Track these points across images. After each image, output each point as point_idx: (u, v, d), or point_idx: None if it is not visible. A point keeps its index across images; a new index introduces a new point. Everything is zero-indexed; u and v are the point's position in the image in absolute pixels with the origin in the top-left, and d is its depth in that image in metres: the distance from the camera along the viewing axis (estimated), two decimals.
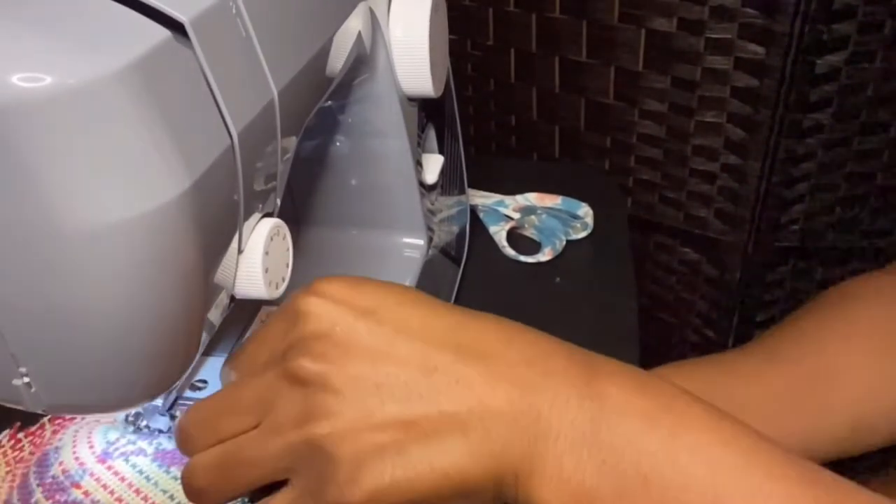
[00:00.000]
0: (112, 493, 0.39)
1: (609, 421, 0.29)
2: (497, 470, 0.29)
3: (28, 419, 0.44)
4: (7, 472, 0.42)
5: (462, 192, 0.66)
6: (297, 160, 0.40)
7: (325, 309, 0.31)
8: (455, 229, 0.64)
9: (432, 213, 0.56)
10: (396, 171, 0.51)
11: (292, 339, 0.32)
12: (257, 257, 0.33)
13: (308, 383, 0.30)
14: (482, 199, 0.74)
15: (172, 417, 0.40)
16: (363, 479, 0.29)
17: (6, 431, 0.44)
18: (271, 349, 0.33)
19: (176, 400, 0.42)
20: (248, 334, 0.48)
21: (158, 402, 0.41)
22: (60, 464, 0.40)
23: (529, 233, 0.72)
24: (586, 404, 0.29)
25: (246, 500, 0.35)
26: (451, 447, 0.29)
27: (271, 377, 0.32)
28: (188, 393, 0.43)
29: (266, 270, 0.34)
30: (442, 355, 0.30)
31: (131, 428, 0.40)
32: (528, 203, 0.74)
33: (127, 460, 0.40)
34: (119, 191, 0.25)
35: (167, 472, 0.40)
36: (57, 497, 0.39)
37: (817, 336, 0.42)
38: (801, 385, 0.40)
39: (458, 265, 0.65)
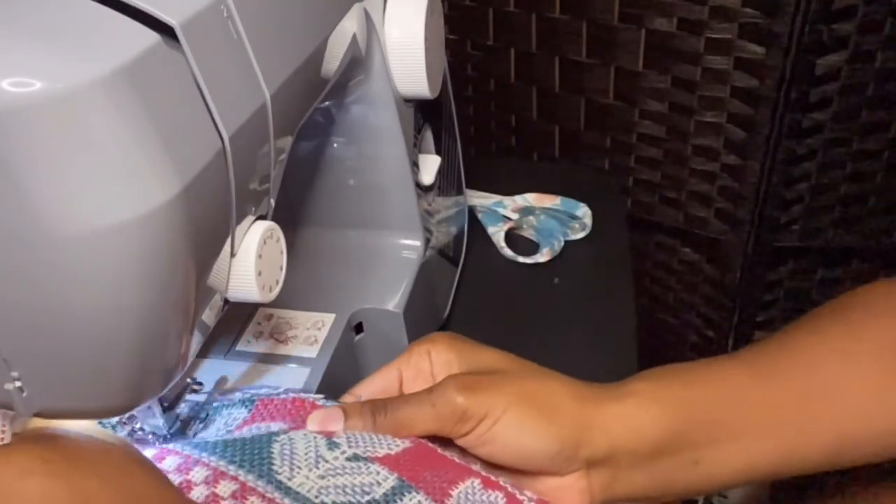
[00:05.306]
0: None
1: None
2: None
3: None
4: None
5: (460, 192, 0.66)
6: (293, 161, 0.40)
7: None
8: (453, 230, 0.63)
9: (430, 213, 0.56)
10: (392, 172, 0.51)
11: None
12: (250, 261, 0.33)
13: None
14: (480, 199, 0.74)
15: (168, 420, 0.40)
16: None
17: None
18: None
19: (171, 402, 0.42)
20: (244, 336, 0.48)
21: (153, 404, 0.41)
22: None
23: (528, 233, 0.72)
24: None
25: None
26: None
27: None
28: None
29: (259, 273, 0.34)
30: None
31: (125, 431, 0.40)
32: (527, 203, 0.74)
33: None
34: (109, 195, 0.25)
35: None
36: None
37: (817, 351, 0.40)
38: (788, 404, 0.39)
39: (457, 266, 0.65)
